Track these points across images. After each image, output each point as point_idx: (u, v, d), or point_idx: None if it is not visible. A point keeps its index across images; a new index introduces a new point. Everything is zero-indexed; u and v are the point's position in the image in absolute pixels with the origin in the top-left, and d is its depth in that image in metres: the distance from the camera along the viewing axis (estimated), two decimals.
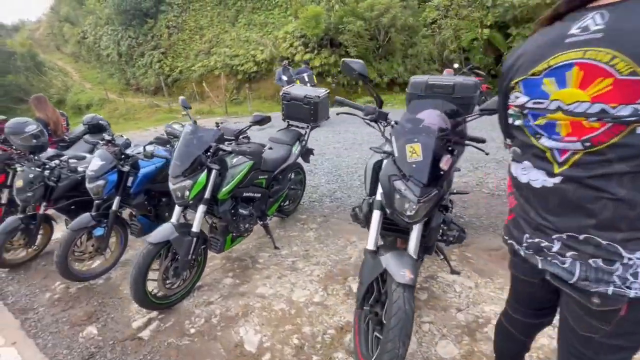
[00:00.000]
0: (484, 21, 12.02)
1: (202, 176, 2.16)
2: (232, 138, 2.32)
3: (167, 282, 2.22)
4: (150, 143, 2.77)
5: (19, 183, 2.94)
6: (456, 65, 8.09)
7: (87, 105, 19.43)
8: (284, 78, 8.42)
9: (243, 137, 2.46)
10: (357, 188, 4.02)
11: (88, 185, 2.61)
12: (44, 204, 3.15)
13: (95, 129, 4.67)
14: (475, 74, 7.69)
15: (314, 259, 2.66)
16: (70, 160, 3.12)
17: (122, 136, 4.77)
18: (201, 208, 2.23)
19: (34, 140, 3.13)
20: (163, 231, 2.13)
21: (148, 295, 2.12)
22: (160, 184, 3.06)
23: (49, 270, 3.14)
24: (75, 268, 2.70)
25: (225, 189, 2.29)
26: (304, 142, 3.29)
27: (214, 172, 2.21)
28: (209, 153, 2.22)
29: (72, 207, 3.35)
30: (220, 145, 2.22)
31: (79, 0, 26.33)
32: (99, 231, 2.72)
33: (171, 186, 2.13)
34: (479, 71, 7.82)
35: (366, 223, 1.88)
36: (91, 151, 4.45)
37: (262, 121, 2.22)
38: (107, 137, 2.94)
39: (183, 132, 2.22)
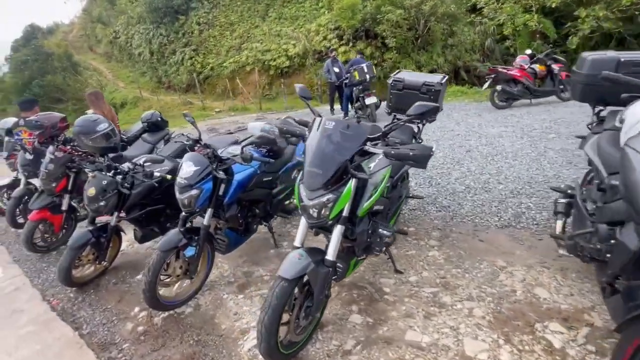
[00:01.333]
0: (546, 4, 10.96)
1: (348, 188, 1.60)
2: (376, 137, 1.74)
3: (297, 325, 1.69)
4: (251, 143, 2.24)
5: (91, 191, 2.51)
6: (529, 51, 7.23)
7: (122, 103, 19.58)
8: (336, 70, 7.78)
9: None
10: (462, 194, 3.38)
11: (179, 196, 2.11)
12: (116, 214, 2.72)
13: (154, 126, 4.25)
14: (553, 59, 6.82)
15: (462, 291, 2.07)
16: (146, 164, 2.65)
17: (183, 134, 4.35)
18: (339, 230, 1.67)
19: (106, 141, 2.69)
20: (295, 262, 1.59)
21: (278, 345, 1.59)
22: (251, 192, 2.57)
23: (122, 291, 2.71)
24: (161, 294, 2.23)
25: (367, 204, 1.73)
26: (420, 140, 2.69)
27: (354, 182, 1.65)
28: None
29: (143, 216, 2.92)
30: (368, 147, 1.65)
31: (110, 0, 26.71)
32: (190, 251, 2.23)
33: (307, 202, 1.58)
34: (557, 57, 6.93)
35: (617, 263, 1.27)
36: (151, 151, 4.04)
37: (428, 113, 1.63)
38: (193, 136, 2.46)
39: (319, 128, 1.66)
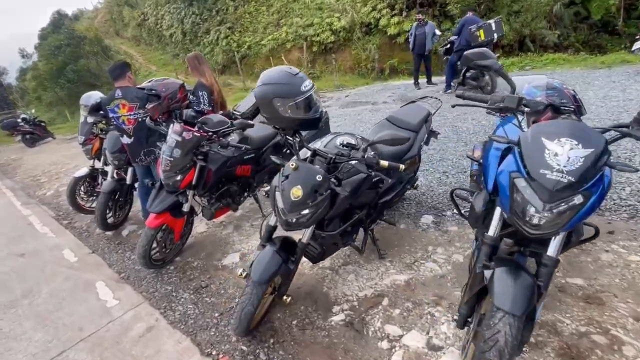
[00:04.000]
0: None
1: None
2: None
3: None
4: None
5: (296, 192, 1.51)
6: None
7: None
8: (437, 33, 6.44)
9: None
10: None
11: (548, 206, 1.06)
12: (312, 227, 1.73)
13: None
14: None
15: None
16: (379, 145, 1.62)
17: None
18: None
19: (307, 110, 1.66)
20: None
21: None
22: None
23: (320, 343, 1.75)
24: None
25: None
26: None
27: None
28: None
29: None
30: None
31: None
32: None
33: None
34: None
35: None
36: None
37: None
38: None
39: None
